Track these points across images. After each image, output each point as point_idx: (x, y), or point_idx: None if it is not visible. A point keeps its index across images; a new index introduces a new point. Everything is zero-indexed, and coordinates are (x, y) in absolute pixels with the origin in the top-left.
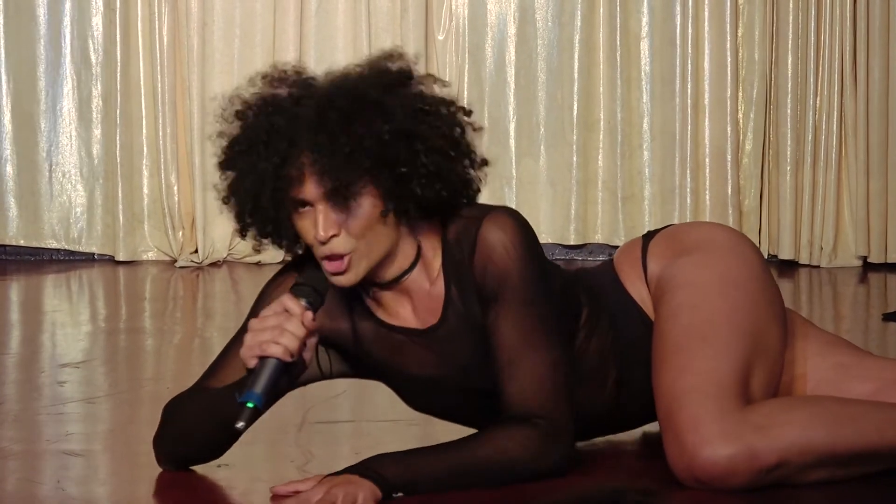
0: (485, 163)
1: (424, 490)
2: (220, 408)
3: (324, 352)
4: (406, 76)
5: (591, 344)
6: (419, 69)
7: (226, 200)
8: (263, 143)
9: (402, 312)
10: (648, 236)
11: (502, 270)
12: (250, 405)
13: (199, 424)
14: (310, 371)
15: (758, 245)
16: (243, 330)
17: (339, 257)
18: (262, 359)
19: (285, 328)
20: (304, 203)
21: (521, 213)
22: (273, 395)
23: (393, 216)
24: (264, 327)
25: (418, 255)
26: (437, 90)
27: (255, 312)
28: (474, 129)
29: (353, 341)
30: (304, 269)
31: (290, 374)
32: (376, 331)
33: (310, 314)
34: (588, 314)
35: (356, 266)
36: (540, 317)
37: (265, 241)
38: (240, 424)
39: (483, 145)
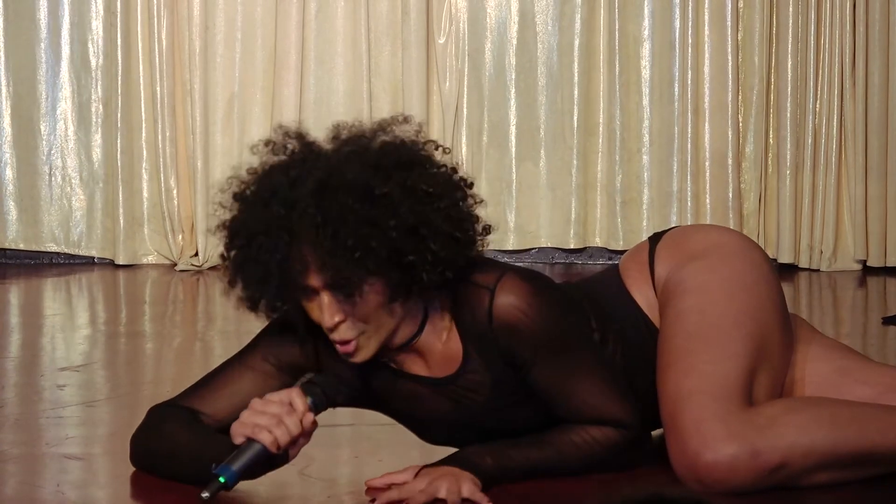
0: (487, 230)
1: (514, 481)
2: (202, 453)
3: None
4: (412, 156)
5: None
6: (422, 135)
7: (232, 283)
8: (264, 234)
9: (415, 367)
10: (655, 238)
11: (528, 337)
12: (221, 480)
13: (179, 456)
14: None
15: None
16: (242, 353)
17: (348, 341)
18: (250, 440)
19: (283, 421)
20: (310, 289)
21: (531, 271)
22: (248, 476)
23: (399, 303)
24: (264, 411)
25: (425, 318)
26: (439, 155)
27: (262, 339)
28: (475, 203)
29: (363, 390)
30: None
31: (271, 465)
32: (390, 381)
33: (311, 416)
34: (600, 339)
35: (366, 346)
36: (576, 353)
37: (276, 314)
38: (205, 494)
39: (483, 149)
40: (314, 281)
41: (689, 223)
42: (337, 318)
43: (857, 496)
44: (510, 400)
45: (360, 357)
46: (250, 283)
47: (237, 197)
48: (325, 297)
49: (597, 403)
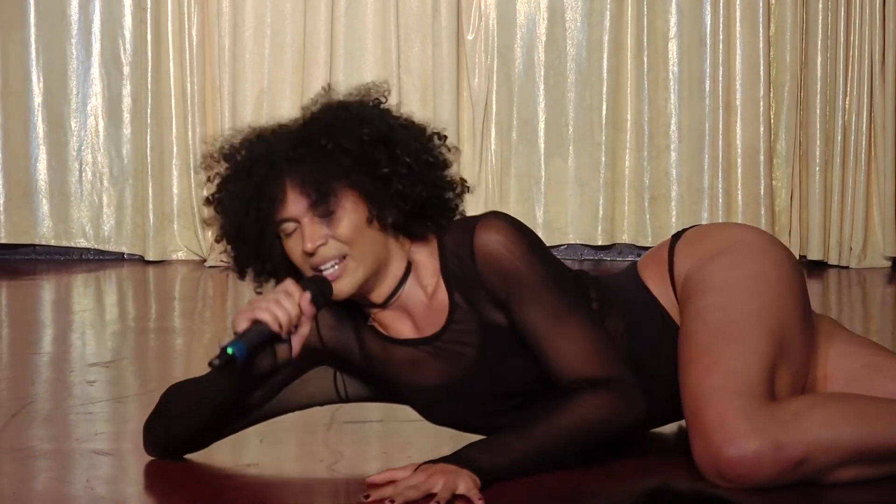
0: (464, 185)
1: (519, 472)
2: (217, 391)
3: (340, 378)
4: (383, 99)
5: None
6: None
7: (218, 239)
8: (245, 170)
9: (404, 330)
10: (676, 237)
11: (509, 270)
12: (230, 351)
13: (197, 405)
14: (328, 394)
15: (788, 246)
16: None
17: (333, 265)
18: (253, 323)
19: (280, 301)
20: (290, 221)
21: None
22: (253, 361)
23: (378, 223)
24: (261, 300)
25: (408, 270)
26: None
27: None
28: (449, 150)
29: (363, 362)
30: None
31: (274, 354)
32: (383, 348)
33: (307, 296)
34: (599, 307)
35: (353, 273)
36: (560, 294)
37: (264, 279)
38: (213, 361)
39: (512, 145)
40: (293, 208)
41: (719, 220)
42: (319, 241)
43: (882, 493)
44: (501, 349)
45: (345, 283)
46: (231, 215)
47: (226, 156)
48: (306, 221)
49: (583, 354)
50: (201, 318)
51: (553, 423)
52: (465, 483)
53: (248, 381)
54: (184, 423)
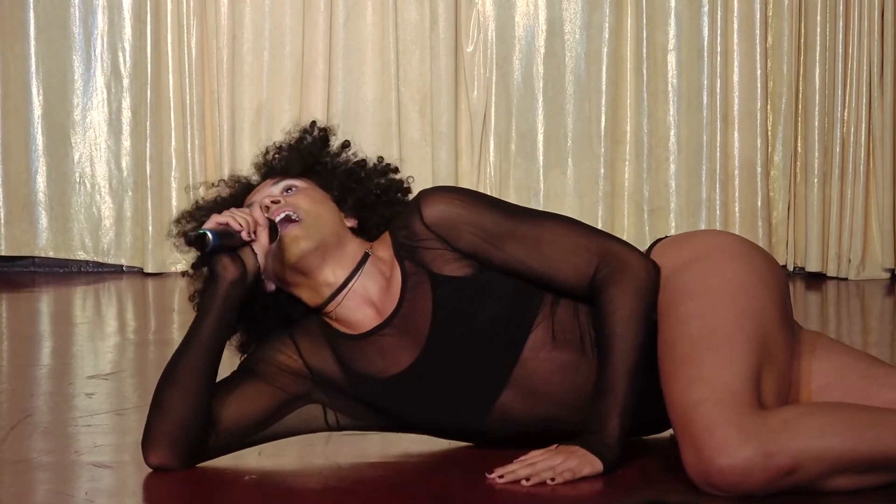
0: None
1: (630, 418)
2: (202, 332)
3: (332, 413)
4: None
5: (557, 315)
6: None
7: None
8: (224, 200)
9: (366, 320)
10: (655, 243)
11: (463, 218)
12: (201, 231)
13: (194, 377)
14: (317, 424)
15: (785, 257)
16: (241, 365)
17: (284, 215)
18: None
19: (235, 211)
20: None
21: None
22: (220, 256)
23: (338, 205)
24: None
25: (366, 257)
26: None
27: (250, 353)
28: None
29: (340, 370)
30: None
31: (242, 261)
32: (352, 347)
33: (258, 208)
34: (552, 299)
35: (304, 233)
36: (520, 217)
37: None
38: (189, 233)
39: (511, 157)
40: (261, 194)
41: None
42: (276, 198)
43: (876, 502)
44: (456, 303)
45: (300, 231)
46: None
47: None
48: (268, 188)
49: (569, 252)
50: None
51: (625, 343)
52: (578, 466)
53: (228, 309)
54: (177, 390)
